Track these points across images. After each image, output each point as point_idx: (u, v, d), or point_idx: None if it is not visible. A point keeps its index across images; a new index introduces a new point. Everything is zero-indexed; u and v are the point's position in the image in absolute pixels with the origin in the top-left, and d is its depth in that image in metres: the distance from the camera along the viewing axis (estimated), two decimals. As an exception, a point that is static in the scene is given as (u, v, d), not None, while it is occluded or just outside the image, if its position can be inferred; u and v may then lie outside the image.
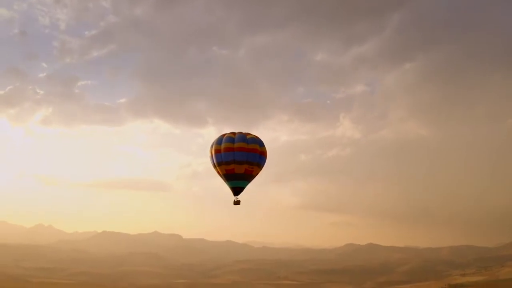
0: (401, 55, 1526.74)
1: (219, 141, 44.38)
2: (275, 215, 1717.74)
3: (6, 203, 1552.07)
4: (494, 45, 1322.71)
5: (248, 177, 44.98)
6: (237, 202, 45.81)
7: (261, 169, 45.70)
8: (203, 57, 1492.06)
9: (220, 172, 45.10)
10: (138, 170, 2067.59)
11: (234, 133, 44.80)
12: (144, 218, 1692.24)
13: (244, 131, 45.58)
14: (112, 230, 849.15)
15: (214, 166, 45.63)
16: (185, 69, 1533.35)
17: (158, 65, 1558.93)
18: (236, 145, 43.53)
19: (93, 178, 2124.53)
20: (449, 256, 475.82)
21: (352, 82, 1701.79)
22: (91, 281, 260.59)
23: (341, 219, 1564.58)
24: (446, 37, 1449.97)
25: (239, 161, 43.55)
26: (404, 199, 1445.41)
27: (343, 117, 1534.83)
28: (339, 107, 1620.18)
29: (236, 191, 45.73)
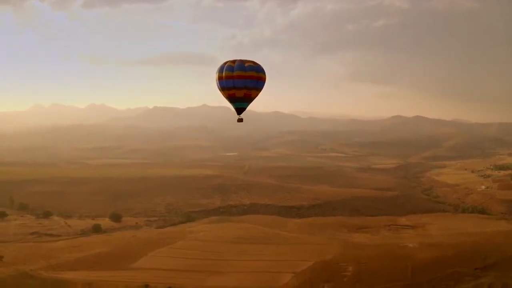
0: None
1: (221, 69, 51.20)
2: (321, 85, 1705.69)
3: (58, 86, 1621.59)
4: None
5: (248, 99, 53.21)
6: (240, 120, 54.24)
7: (259, 91, 53.48)
8: None
9: (224, 95, 53.42)
10: (183, 45, 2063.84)
11: (234, 62, 50.98)
12: (192, 92, 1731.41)
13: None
14: (163, 105, 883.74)
15: (219, 90, 53.17)
16: None
17: None
18: (235, 73, 50.31)
19: (140, 55, 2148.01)
20: (497, 133, 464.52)
21: None
22: (145, 158, 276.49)
23: (388, 91, 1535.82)
24: None
25: (238, 87, 50.93)
26: (453, 72, 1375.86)
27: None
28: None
29: (239, 110, 54.12)
